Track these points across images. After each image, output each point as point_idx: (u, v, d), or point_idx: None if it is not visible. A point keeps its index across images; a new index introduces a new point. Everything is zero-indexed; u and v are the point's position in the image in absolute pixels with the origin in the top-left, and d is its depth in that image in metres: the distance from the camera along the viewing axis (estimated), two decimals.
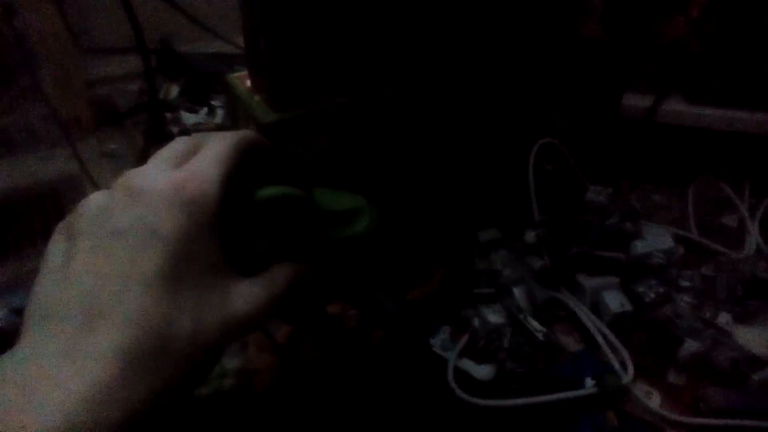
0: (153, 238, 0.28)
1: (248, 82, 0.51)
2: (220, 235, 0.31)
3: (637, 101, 0.72)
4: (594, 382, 0.50)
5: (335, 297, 0.58)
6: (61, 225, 0.31)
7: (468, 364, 0.53)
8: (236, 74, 0.53)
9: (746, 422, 0.47)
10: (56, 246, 0.30)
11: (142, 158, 0.74)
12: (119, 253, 0.28)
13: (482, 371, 0.53)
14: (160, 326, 0.27)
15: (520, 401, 0.49)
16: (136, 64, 0.80)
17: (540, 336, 0.52)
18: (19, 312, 0.54)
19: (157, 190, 0.30)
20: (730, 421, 0.47)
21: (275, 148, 0.38)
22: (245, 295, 0.31)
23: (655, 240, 0.59)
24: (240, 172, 0.33)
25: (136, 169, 0.32)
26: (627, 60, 0.72)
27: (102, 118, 0.86)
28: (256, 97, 0.49)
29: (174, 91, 0.83)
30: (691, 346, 0.51)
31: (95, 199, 0.30)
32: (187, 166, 0.32)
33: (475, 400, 0.50)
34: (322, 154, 0.50)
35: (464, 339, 0.55)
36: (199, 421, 0.48)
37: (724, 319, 0.54)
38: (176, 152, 0.33)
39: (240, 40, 0.50)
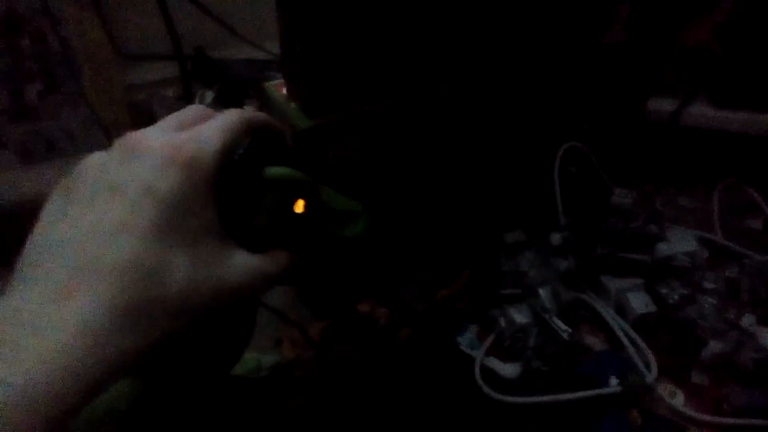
0: (149, 194, 0.28)
1: (284, 90, 0.53)
2: (223, 207, 0.32)
3: (662, 105, 0.73)
4: (618, 381, 0.51)
5: (365, 295, 0.60)
6: (60, 182, 0.31)
7: (494, 363, 0.55)
8: (272, 82, 0.55)
9: None
10: (53, 201, 0.30)
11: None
12: (115, 206, 0.28)
13: (508, 369, 0.54)
14: (152, 278, 0.27)
15: (545, 399, 0.50)
16: (172, 71, 0.83)
17: (565, 336, 0.53)
18: None
19: (155, 149, 0.30)
20: (753, 421, 0.48)
21: (283, 134, 0.39)
22: (240, 264, 0.31)
23: (680, 242, 0.60)
24: (250, 150, 0.34)
25: (138, 130, 0.32)
26: (652, 65, 0.72)
27: (139, 123, 0.89)
28: (292, 104, 0.51)
29: (209, 96, 0.86)
30: (714, 346, 0.52)
31: (93, 156, 0.31)
32: (189, 131, 0.32)
33: (501, 397, 0.51)
34: (352, 159, 0.52)
35: (491, 338, 0.57)
36: (234, 402, 0.50)
37: (748, 320, 0.55)
38: (183, 118, 0.34)
39: (271, 46, 0.52)
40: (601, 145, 0.70)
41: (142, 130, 0.32)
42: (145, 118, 0.91)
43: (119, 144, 0.31)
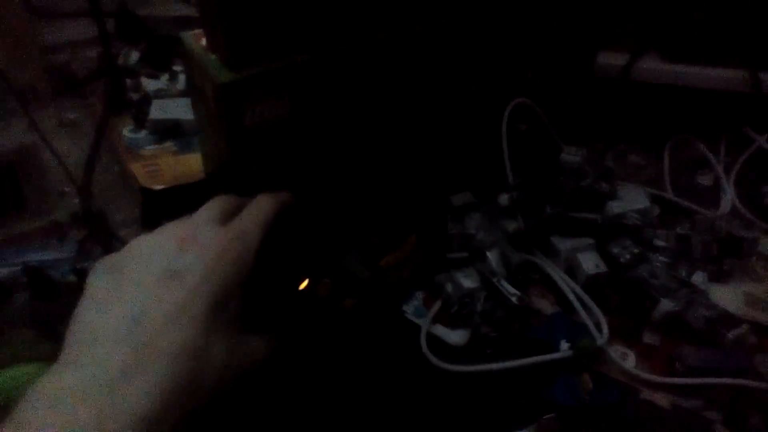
0: (205, 284, 0.32)
1: (203, 41, 0.48)
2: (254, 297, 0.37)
3: (611, 59, 0.71)
4: (569, 344, 0.49)
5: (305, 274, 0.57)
6: (104, 259, 0.34)
7: (441, 330, 0.52)
8: (191, 32, 0.50)
9: (722, 380, 0.46)
10: (99, 277, 0.32)
11: (102, 127, 0.71)
12: (172, 291, 0.31)
13: (456, 337, 0.52)
14: (198, 361, 0.30)
15: (494, 366, 0.48)
16: (93, 29, 0.76)
17: (514, 300, 0.51)
18: None
19: (208, 244, 0.34)
20: (706, 380, 0.47)
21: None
22: (253, 348, 0.36)
23: (631, 200, 0.58)
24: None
25: (184, 220, 0.37)
26: (601, 17, 0.70)
27: (59, 86, 0.82)
28: (212, 56, 0.46)
29: (134, 56, 0.80)
30: (666, 305, 0.51)
31: (147, 240, 0.34)
32: (232, 225, 0.37)
33: (449, 366, 0.49)
34: (283, 120, 0.48)
35: (437, 305, 0.54)
36: None
37: (699, 278, 0.54)
38: (221, 210, 0.38)
39: None
40: (550, 101, 0.68)
41: (189, 220, 0.37)
42: (65, 82, 0.83)
43: (168, 232, 0.35)
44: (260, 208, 0.39)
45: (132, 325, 0.29)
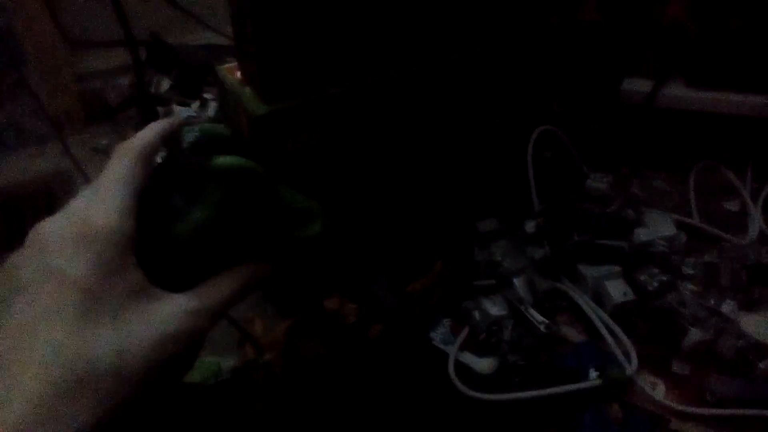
0: (60, 282, 0.28)
1: (238, 74, 0.49)
2: (153, 229, 0.31)
3: (636, 86, 0.71)
4: (597, 373, 0.49)
5: (333, 291, 0.57)
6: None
7: (469, 358, 0.53)
8: (226, 65, 0.51)
9: (753, 411, 0.46)
10: None
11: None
12: (24, 305, 0.28)
13: (484, 364, 0.52)
14: (76, 364, 0.26)
15: (522, 395, 0.48)
16: (126, 58, 0.79)
17: (542, 327, 0.51)
18: None
19: (61, 234, 0.29)
20: (736, 411, 0.46)
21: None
22: (169, 313, 0.30)
23: (657, 227, 0.58)
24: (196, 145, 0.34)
25: (46, 219, 0.31)
26: (626, 44, 0.70)
27: (93, 113, 0.85)
28: (247, 89, 0.48)
29: (165, 84, 0.82)
30: (695, 335, 0.50)
31: (8, 260, 0.30)
32: (89, 198, 0.31)
33: (476, 394, 0.49)
34: (313, 148, 0.49)
35: (465, 332, 0.55)
36: (194, 409, 0.47)
37: (728, 306, 0.53)
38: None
39: (231, 30, 0.48)
40: (575, 128, 0.68)
41: (49, 218, 0.31)
42: (99, 109, 0.86)
43: (30, 237, 0.30)
44: (113, 161, 0.33)
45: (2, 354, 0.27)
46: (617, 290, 0.54)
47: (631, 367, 0.49)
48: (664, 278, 0.54)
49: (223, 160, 0.32)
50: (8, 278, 0.29)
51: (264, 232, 0.35)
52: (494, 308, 0.53)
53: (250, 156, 0.34)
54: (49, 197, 0.72)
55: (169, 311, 0.30)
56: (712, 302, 0.54)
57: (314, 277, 0.51)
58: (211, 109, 0.77)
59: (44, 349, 0.26)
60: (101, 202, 0.31)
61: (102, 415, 0.26)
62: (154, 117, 0.77)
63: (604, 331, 0.52)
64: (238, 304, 0.34)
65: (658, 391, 0.49)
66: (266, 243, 0.35)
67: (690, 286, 0.55)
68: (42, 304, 0.28)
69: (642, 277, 0.55)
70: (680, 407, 0.47)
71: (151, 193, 0.33)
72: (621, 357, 0.50)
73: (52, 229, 0.30)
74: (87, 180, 0.72)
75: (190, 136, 0.37)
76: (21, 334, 0.27)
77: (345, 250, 0.53)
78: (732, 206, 0.68)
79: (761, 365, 0.48)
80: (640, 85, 0.70)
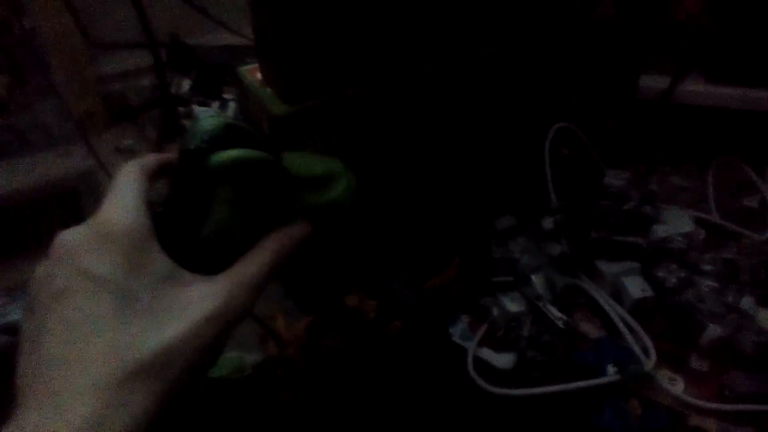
0: (94, 283, 0.29)
1: (259, 75, 0.50)
2: (178, 233, 0.33)
3: (654, 83, 0.71)
4: (616, 369, 0.49)
5: (353, 288, 0.58)
6: (23, 305, 0.32)
7: (488, 354, 0.53)
8: (247, 67, 0.52)
9: None
10: (25, 324, 0.31)
11: (157, 152, 0.74)
12: (66, 310, 0.29)
13: (502, 360, 0.52)
14: (125, 356, 0.28)
15: (540, 390, 0.49)
16: (148, 59, 0.80)
17: (560, 323, 0.52)
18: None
19: (84, 239, 0.31)
20: (755, 406, 0.46)
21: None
22: (206, 293, 0.31)
23: (675, 223, 0.58)
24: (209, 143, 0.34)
25: (66, 229, 0.33)
26: (642, 40, 0.70)
27: (115, 114, 0.86)
28: (267, 90, 0.49)
29: (185, 85, 0.83)
30: (714, 330, 0.50)
31: (36, 270, 0.32)
32: (102, 207, 0.33)
33: (495, 389, 0.49)
34: (333, 148, 0.50)
35: (483, 328, 0.55)
36: (218, 404, 0.48)
37: (747, 302, 0.53)
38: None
39: (250, 31, 0.49)
40: (593, 125, 0.68)
41: (68, 229, 0.32)
42: (121, 110, 0.87)
43: (52, 248, 0.32)
44: (120, 171, 0.35)
45: (51, 362, 0.28)
46: (635, 286, 0.54)
47: (649, 363, 0.49)
48: (683, 274, 0.54)
49: (218, 157, 0.32)
50: (44, 287, 0.30)
51: (286, 208, 0.35)
52: (512, 305, 0.54)
53: (264, 143, 0.34)
54: (74, 196, 0.74)
55: (206, 291, 0.31)
56: (731, 298, 0.54)
57: (339, 269, 0.51)
58: (231, 109, 0.78)
59: (97, 347, 0.28)
60: (114, 206, 0.32)
61: (161, 400, 0.28)
62: (176, 117, 0.78)
63: (622, 327, 0.53)
64: (266, 288, 0.34)
65: (677, 386, 0.49)
66: (279, 219, 0.35)
67: (708, 283, 0.55)
68: (83, 306, 0.29)
69: (660, 274, 0.55)
70: (699, 403, 0.47)
71: (172, 201, 0.34)
72: (639, 353, 0.50)
73: (74, 236, 0.31)
74: (111, 179, 0.73)
75: (205, 130, 0.37)
76: (71, 335, 0.28)
77: (365, 247, 0.54)
78: (751, 202, 0.68)
79: None
80: (657, 82, 0.70)
